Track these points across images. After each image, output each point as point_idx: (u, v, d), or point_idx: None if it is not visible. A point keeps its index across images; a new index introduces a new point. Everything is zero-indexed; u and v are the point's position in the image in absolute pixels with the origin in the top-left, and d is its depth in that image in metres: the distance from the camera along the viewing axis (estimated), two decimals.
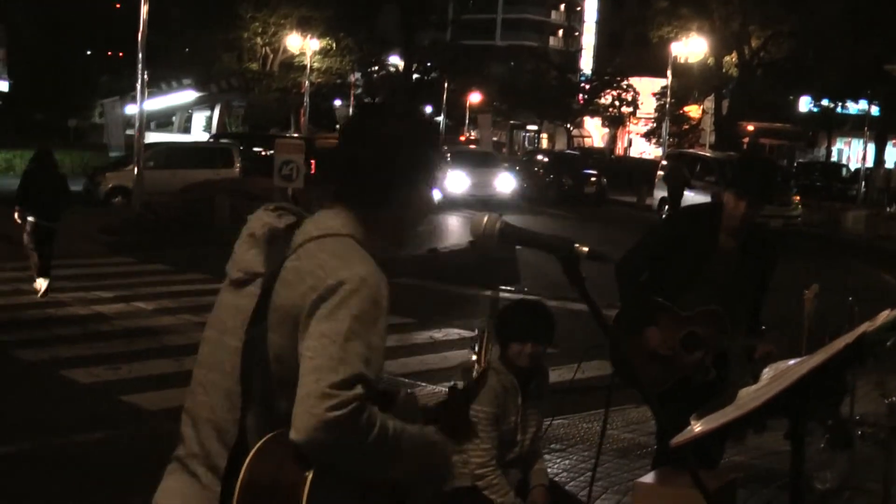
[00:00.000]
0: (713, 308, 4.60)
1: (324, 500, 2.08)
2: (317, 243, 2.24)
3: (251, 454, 2.11)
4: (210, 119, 47.33)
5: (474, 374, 2.54)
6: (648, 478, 4.29)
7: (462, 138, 56.12)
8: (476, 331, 2.66)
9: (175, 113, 47.95)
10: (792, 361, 2.23)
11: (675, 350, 4.67)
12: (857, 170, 41.34)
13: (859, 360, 1.90)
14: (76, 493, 6.15)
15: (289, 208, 2.40)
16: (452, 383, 2.65)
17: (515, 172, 33.30)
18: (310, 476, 2.06)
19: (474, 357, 2.54)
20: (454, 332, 11.14)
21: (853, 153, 53.93)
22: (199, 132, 45.13)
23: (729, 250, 4.74)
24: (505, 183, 30.60)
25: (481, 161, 31.64)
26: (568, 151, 50.10)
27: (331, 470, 2.09)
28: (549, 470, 4.61)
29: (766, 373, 2.26)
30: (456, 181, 28.21)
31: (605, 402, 4.80)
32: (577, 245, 2.16)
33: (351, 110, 52.76)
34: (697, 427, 1.93)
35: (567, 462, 6.82)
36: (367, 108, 2.48)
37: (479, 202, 26.33)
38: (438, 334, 11.05)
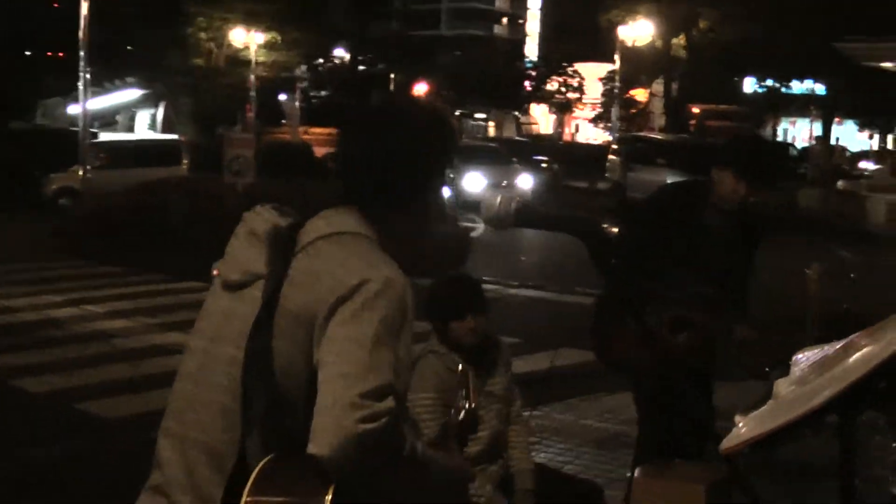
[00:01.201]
0: (703, 289, 4.43)
1: None
2: (331, 240, 1.99)
3: (252, 478, 1.81)
4: (154, 117, 46.66)
5: (463, 412, 2.41)
6: (645, 471, 4.08)
7: None
8: (460, 366, 2.53)
9: (119, 112, 47.22)
10: (828, 347, 2.03)
11: (661, 335, 4.49)
12: (805, 148, 41.65)
13: None
14: None
15: (288, 210, 2.14)
16: (444, 420, 2.48)
17: (532, 170, 31.04)
18: (329, 498, 1.78)
19: (462, 393, 2.42)
20: None
21: (798, 133, 54.41)
22: (143, 131, 44.51)
23: (717, 230, 4.56)
24: (524, 181, 28.42)
25: (491, 158, 29.11)
26: (518, 138, 50.08)
27: (352, 493, 1.82)
28: None
29: (801, 360, 2.07)
30: (472, 181, 25.81)
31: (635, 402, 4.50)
32: (605, 225, 1.93)
33: (297, 104, 52.27)
34: (744, 429, 1.71)
35: (543, 455, 6.61)
36: (384, 104, 2.23)
37: None
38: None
